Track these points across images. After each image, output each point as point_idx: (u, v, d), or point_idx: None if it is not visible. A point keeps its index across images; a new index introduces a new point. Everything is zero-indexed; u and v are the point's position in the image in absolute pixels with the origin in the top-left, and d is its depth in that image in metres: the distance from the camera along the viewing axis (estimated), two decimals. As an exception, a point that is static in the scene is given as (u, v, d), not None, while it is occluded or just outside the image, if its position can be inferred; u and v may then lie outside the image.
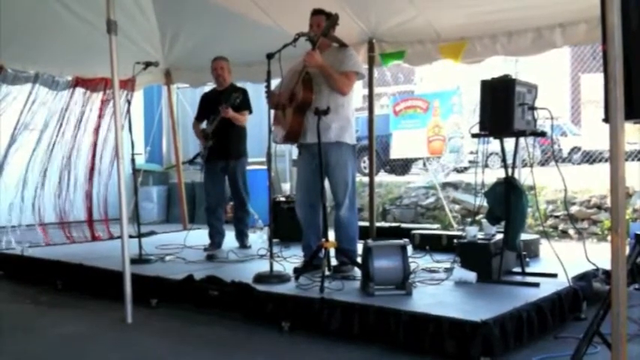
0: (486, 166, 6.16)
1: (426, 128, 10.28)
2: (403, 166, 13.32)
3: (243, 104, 6.23)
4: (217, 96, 6.33)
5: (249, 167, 6.65)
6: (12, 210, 7.69)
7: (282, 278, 4.58)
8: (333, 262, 4.83)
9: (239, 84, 6.71)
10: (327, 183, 4.94)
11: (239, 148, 6.37)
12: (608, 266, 2.76)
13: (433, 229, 6.91)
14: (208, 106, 6.40)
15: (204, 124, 6.47)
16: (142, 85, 8.45)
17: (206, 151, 6.28)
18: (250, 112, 6.36)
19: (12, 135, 7.46)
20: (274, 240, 5.25)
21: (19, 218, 7.74)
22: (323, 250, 4.55)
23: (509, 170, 4.67)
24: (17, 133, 7.49)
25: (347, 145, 4.92)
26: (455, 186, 10.15)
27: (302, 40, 4.77)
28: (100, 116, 8.14)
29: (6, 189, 7.58)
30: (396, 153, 11.37)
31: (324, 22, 4.81)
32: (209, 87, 9.35)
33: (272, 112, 5.04)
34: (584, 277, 4.35)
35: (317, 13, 4.93)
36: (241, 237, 6.53)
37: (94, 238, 7.95)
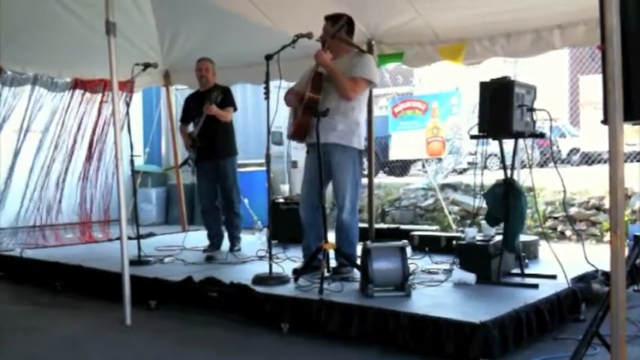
0: (485, 167, 6.17)
1: (424, 129, 10.29)
2: (402, 168, 13.33)
3: (227, 101, 6.18)
4: (200, 97, 6.27)
5: (247, 168, 6.65)
6: (15, 212, 7.73)
7: (281, 279, 4.57)
8: (333, 263, 4.82)
9: (238, 85, 6.70)
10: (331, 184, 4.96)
11: (227, 146, 6.29)
12: (607, 267, 2.76)
13: (432, 230, 6.91)
14: (192, 107, 6.34)
15: (190, 127, 6.42)
16: (140, 87, 8.45)
17: (195, 154, 6.23)
18: (235, 109, 6.33)
19: (18, 138, 7.51)
20: (273, 241, 5.26)
21: (21, 220, 7.77)
22: (322, 252, 4.55)
23: (508, 171, 4.67)
24: (21, 135, 7.53)
25: (352, 149, 4.89)
26: (454, 187, 10.15)
27: (302, 42, 4.77)
28: (99, 117, 8.17)
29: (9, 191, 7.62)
30: (394, 154, 11.38)
31: (328, 28, 4.86)
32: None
33: (272, 113, 5.03)
34: (583, 279, 4.34)
35: (326, 19, 4.94)
36: (231, 240, 6.41)
37: (92, 240, 7.95)
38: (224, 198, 6.37)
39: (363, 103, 5.07)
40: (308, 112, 4.87)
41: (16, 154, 7.56)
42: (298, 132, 4.97)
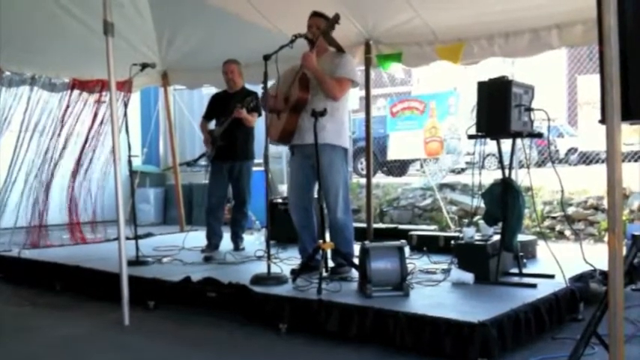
0: (483, 167, 6.16)
1: (422, 129, 10.30)
2: (400, 168, 13.33)
3: (256, 107, 6.26)
4: (228, 98, 6.36)
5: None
6: (12, 212, 7.74)
7: (279, 280, 4.57)
8: (330, 263, 4.81)
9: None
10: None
11: (246, 149, 6.38)
12: (605, 267, 2.77)
13: (430, 230, 6.91)
14: (218, 106, 6.44)
15: (211, 125, 6.49)
16: (138, 87, 8.44)
17: (214, 152, 6.30)
18: (260, 114, 6.37)
19: (18, 138, 7.55)
20: (271, 241, 5.25)
21: (19, 220, 7.78)
22: (320, 252, 4.54)
23: (506, 171, 4.67)
24: (21, 136, 7.54)
25: (340, 148, 4.89)
26: (452, 187, 10.16)
27: (299, 42, 4.76)
28: (95, 117, 8.16)
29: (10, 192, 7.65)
30: (393, 154, 11.38)
31: (322, 25, 4.80)
32: (206, 88, 9.39)
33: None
34: (581, 278, 4.35)
35: (316, 15, 4.91)
36: (235, 239, 6.49)
37: (90, 241, 7.95)
38: (237, 198, 6.50)
39: (347, 102, 5.09)
40: (296, 113, 4.86)
41: (16, 154, 7.56)
42: (285, 134, 4.94)
